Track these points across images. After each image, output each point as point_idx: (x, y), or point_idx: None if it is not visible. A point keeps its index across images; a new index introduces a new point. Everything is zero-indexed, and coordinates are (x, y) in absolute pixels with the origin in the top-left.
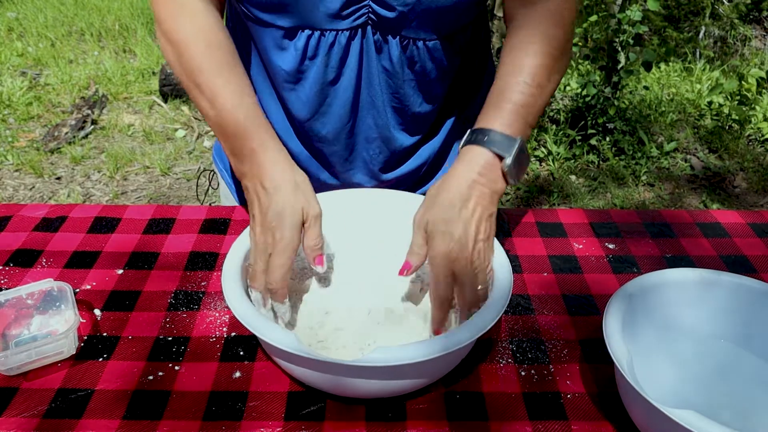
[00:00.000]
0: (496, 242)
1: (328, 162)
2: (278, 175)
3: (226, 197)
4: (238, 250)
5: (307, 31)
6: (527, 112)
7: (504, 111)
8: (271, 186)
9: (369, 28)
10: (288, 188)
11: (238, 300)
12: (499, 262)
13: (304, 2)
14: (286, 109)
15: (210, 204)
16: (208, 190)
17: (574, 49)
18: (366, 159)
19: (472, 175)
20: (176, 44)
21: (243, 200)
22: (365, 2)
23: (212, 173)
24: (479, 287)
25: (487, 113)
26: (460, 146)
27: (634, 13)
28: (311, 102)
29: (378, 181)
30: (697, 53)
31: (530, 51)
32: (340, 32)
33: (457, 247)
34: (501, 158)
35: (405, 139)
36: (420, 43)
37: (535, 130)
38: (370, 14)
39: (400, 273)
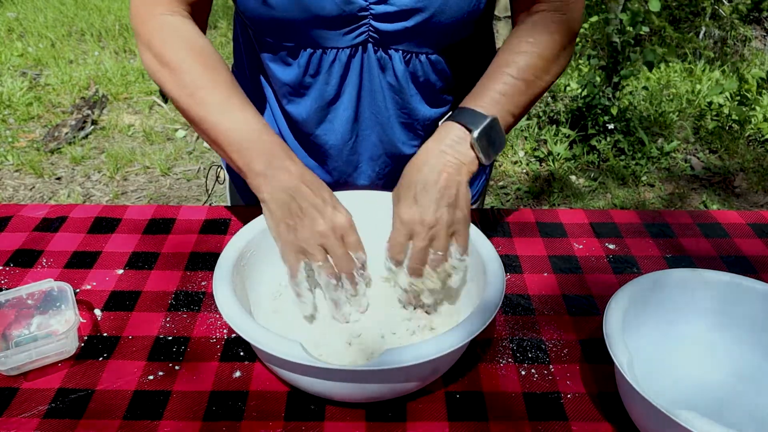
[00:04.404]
0: (488, 242)
1: (332, 175)
2: (303, 167)
3: (232, 193)
4: (227, 258)
5: (309, 50)
6: (507, 100)
7: (483, 96)
8: (303, 175)
9: (370, 45)
10: (314, 175)
11: (231, 307)
12: (492, 266)
13: (301, 20)
14: (290, 119)
15: (215, 200)
16: (215, 184)
17: (575, 48)
18: (371, 175)
19: (441, 146)
20: (170, 66)
21: (246, 197)
22: (365, 20)
23: (219, 168)
24: (439, 252)
25: (470, 96)
26: (441, 122)
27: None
28: (312, 117)
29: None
30: (698, 53)
31: (522, 49)
32: (340, 50)
33: (419, 211)
34: (470, 130)
35: (411, 151)
36: (422, 57)
37: (535, 130)
38: (370, 32)
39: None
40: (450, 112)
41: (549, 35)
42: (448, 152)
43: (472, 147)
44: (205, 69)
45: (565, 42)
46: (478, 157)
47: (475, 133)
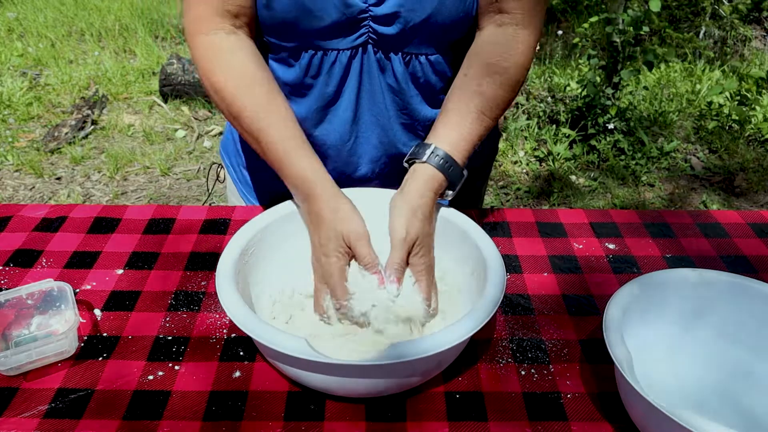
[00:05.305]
0: (487, 238)
1: (331, 175)
2: (322, 207)
3: (232, 192)
4: (229, 256)
5: (310, 51)
6: (478, 140)
7: (464, 140)
8: (316, 220)
9: (370, 46)
10: (329, 218)
11: (235, 305)
12: (492, 262)
13: (303, 22)
14: None
15: (215, 199)
16: (215, 183)
17: (575, 48)
18: (371, 177)
19: (434, 197)
20: (215, 87)
21: (246, 196)
22: (365, 22)
23: (220, 167)
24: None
25: (449, 133)
26: (422, 159)
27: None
28: (312, 117)
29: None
30: (698, 53)
31: (493, 80)
32: (341, 51)
33: (434, 257)
34: (450, 187)
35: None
36: (422, 58)
37: (535, 130)
38: (370, 33)
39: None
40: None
41: (515, 58)
42: (435, 200)
43: (444, 196)
44: (245, 91)
45: (527, 63)
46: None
47: (453, 191)
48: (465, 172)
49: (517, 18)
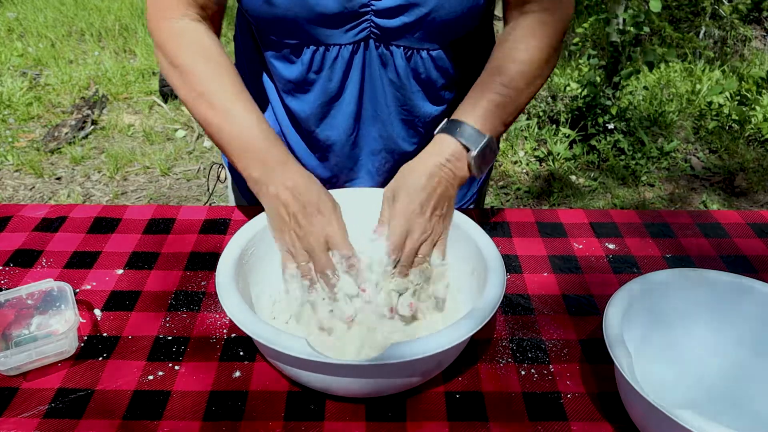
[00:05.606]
0: (487, 238)
1: (332, 170)
2: (297, 174)
3: (234, 192)
4: (230, 256)
5: (312, 47)
6: (501, 111)
7: (479, 108)
8: (294, 184)
9: (372, 41)
10: (310, 180)
11: (235, 305)
12: (492, 263)
13: (303, 17)
14: (292, 116)
15: (216, 199)
16: (216, 183)
17: (575, 48)
18: (371, 170)
19: (440, 159)
20: (180, 68)
21: (247, 196)
22: (366, 16)
23: (220, 167)
24: (419, 255)
25: (464, 107)
26: (435, 133)
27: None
28: (315, 113)
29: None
30: (698, 53)
31: (513, 56)
32: (342, 46)
33: (418, 210)
34: (468, 150)
35: (411, 147)
36: (424, 53)
37: (535, 130)
38: (371, 27)
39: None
40: (448, 112)
41: (539, 40)
42: (446, 166)
43: (468, 165)
44: (213, 73)
45: (554, 43)
46: (471, 173)
47: (474, 153)
48: (486, 136)
49: (544, 4)
